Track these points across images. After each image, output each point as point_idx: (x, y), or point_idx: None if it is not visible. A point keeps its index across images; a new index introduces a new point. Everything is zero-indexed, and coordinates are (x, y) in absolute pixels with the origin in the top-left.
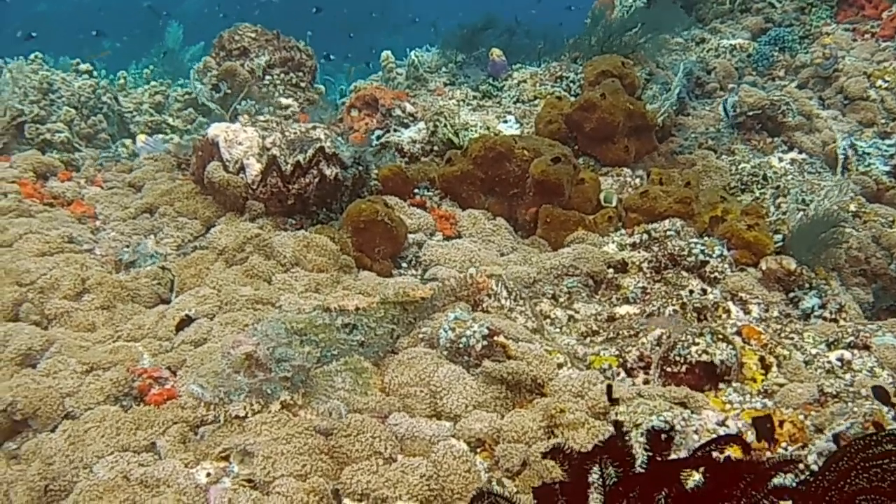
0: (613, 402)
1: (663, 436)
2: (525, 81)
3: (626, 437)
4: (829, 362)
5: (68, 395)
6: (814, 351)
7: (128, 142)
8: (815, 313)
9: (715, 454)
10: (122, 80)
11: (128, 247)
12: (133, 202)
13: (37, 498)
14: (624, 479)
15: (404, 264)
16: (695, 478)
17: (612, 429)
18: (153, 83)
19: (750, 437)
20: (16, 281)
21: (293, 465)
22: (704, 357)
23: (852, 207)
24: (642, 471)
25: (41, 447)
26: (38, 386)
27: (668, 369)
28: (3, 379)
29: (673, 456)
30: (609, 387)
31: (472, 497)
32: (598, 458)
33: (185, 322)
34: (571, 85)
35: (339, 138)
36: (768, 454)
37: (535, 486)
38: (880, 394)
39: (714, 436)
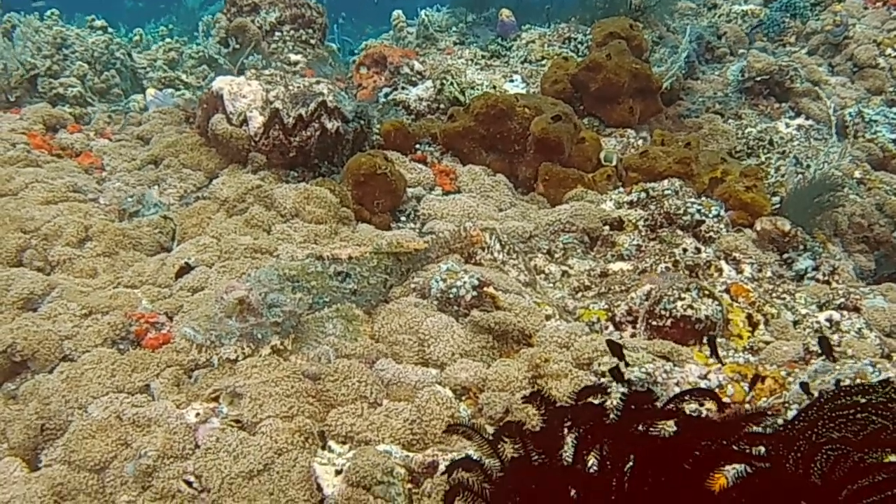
0: (621, 359)
1: (644, 388)
2: (533, 42)
3: (605, 387)
4: (817, 322)
5: (67, 338)
6: (804, 311)
7: (139, 97)
8: (809, 275)
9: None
10: (137, 37)
11: (132, 197)
12: (140, 154)
13: (33, 436)
14: (594, 428)
15: (403, 218)
16: (668, 429)
17: (594, 379)
18: (168, 40)
19: (730, 390)
20: (20, 228)
21: (280, 407)
22: (690, 312)
23: (857, 174)
24: (614, 421)
25: (39, 388)
26: (37, 329)
27: (654, 323)
28: (4, 322)
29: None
30: (612, 344)
31: (447, 427)
32: (573, 406)
33: (185, 269)
34: (579, 46)
35: (343, 93)
36: (747, 406)
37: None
38: (824, 345)
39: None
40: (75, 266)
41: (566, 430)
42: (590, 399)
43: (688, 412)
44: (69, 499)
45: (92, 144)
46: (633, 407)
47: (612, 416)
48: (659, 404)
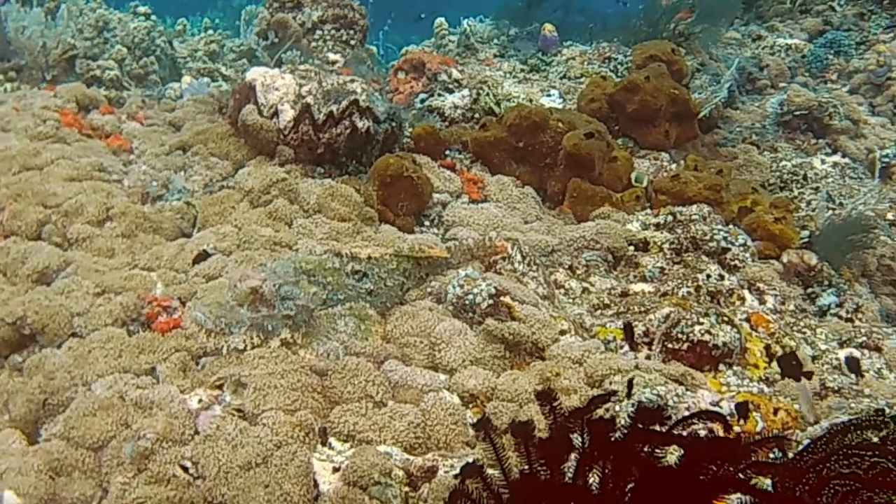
0: (632, 345)
1: (654, 408)
2: (573, 59)
3: (614, 403)
4: (837, 359)
5: (78, 315)
6: (824, 347)
7: (176, 85)
8: (832, 311)
9: (698, 429)
10: (180, 27)
11: (157, 181)
12: (170, 140)
13: (34, 410)
14: (600, 443)
15: (427, 222)
16: (675, 452)
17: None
18: (210, 32)
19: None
20: (42, 202)
21: (283, 400)
22: (707, 337)
23: (889, 216)
24: (621, 438)
25: (45, 362)
26: (49, 303)
27: (670, 345)
28: (18, 294)
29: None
30: (627, 326)
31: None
32: (581, 418)
33: (202, 256)
34: (619, 66)
35: (376, 93)
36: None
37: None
38: (852, 364)
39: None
40: (93, 244)
41: (572, 443)
42: (598, 412)
43: (698, 435)
44: (64, 475)
45: (123, 127)
46: (641, 425)
47: (619, 432)
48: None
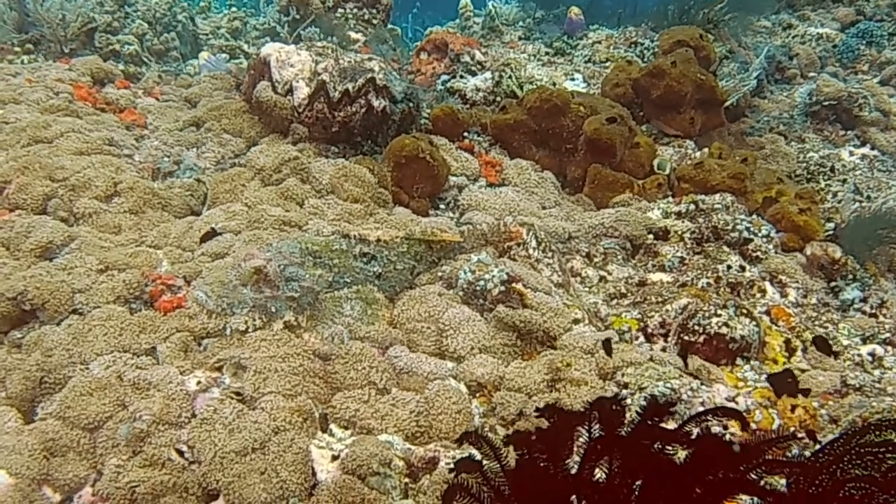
0: (609, 353)
1: (663, 403)
2: (599, 43)
3: (622, 400)
4: (859, 355)
5: (79, 292)
6: (846, 342)
7: (195, 62)
8: (855, 306)
9: (712, 426)
10: (204, 3)
11: (168, 157)
12: (184, 116)
13: (31, 388)
14: (604, 440)
15: (442, 205)
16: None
17: (615, 389)
18: (234, 8)
19: (758, 416)
20: (49, 175)
21: (283, 384)
22: (724, 330)
23: None
24: (626, 435)
25: (43, 339)
26: (51, 279)
27: (686, 338)
28: (20, 269)
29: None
30: (607, 340)
31: (461, 435)
32: (586, 416)
33: (210, 235)
34: (645, 52)
35: (394, 73)
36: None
37: (516, 434)
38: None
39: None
40: (100, 220)
41: (576, 438)
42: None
43: (710, 432)
44: (59, 455)
45: (138, 102)
46: (650, 421)
47: (626, 428)
48: (682, 421)
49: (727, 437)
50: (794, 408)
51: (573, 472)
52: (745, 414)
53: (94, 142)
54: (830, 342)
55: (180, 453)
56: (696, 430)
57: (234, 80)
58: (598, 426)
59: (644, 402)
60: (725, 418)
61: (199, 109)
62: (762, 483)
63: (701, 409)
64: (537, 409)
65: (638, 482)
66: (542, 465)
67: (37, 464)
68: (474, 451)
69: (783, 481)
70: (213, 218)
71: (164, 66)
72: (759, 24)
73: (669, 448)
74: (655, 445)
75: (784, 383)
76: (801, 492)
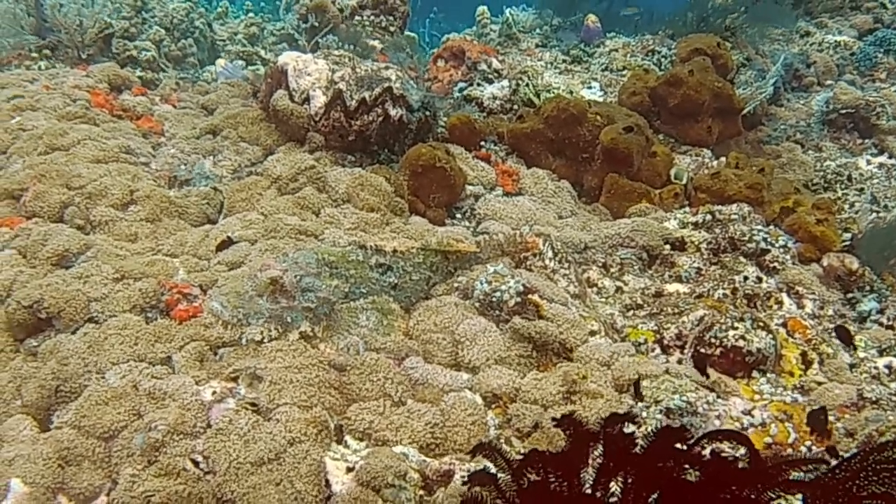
0: (639, 397)
1: (681, 420)
2: (616, 51)
3: (636, 417)
4: (875, 368)
5: (95, 300)
6: (862, 354)
7: (213, 68)
8: (872, 317)
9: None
10: (222, 9)
11: (185, 165)
12: (201, 123)
13: (46, 397)
14: (619, 458)
15: (459, 215)
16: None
17: (631, 402)
18: (251, 14)
19: (773, 429)
20: (66, 184)
21: (299, 395)
22: (741, 343)
23: None
24: (640, 453)
25: (59, 347)
26: (67, 287)
27: (702, 350)
28: (36, 277)
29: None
30: (637, 383)
31: (474, 448)
32: (601, 433)
33: (226, 244)
34: (662, 60)
35: (411, 81)
36: (789, 451)
37: (527, 452)
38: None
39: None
40: (116, 228)
41: (590, 455)
42: (618, 427)
43: (724, 452)
44: (74, 464)
45: (154, 109)
46: (664, 441)
47: (640, 446)
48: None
49: (740, 456)
50: None
51: (587, 489)
52: (760, 429)
53: (111, 149)
54: (852, 332)
55: (195, 463)
56: (709, 449)
57: (251, 87)
58: (611, 444)
59: (660, 416)
60: (733, 441)
61: (215, 117)
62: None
63: (717, 422)
64: (553, 420)
65: (651, 500)
66: (555, 481)
67: (51, 472)
68: (489, 464)
69: (798, 501)
70: (230, 227)
71: (182, 73)
72: (777, 31)
73: (684, 467)
74: (669, 465)
75: (818, 420)
76: None
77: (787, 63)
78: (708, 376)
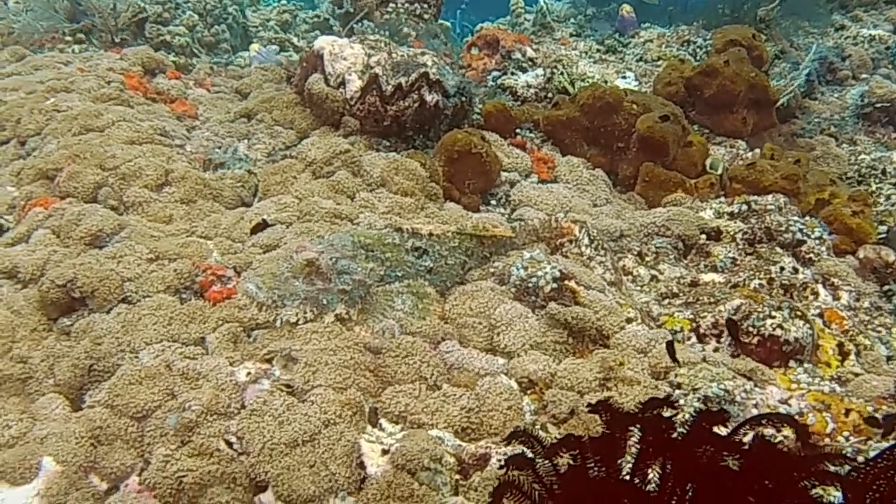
0: (674, 360)
1: (719, 408)
2: (651, 41)
3: (675, 402)
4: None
5: (129, 280)
6: None
7: (245, 54)
8: None
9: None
10: None
11: (220, 148)
12: (235, 107)
13: (79, 375)
14: (659, 443)
15: (493, 201)
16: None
17: (668, 390)
18: (284, 2)
19: (811, 419)
20: (100, 164)
21: (334, 377)
22: (779, 332)
23: None
24: (680, 439)
25: (93, 326)
26: (100, 267)
27: (740, 339)
28: (70, 256)
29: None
30: (670, 343)
31: (510, 434)
32: (638, 417)
33: (261, 226)
34: (698, 50)
35: (447, 67)
36: (827, 441)
37: (563, 437)
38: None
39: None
40: (150, 209)
41: (628, 440)
42: (657, 412)
43: (765, 440)
44: (106, 444)
45: (188, 93)
46: (704, 426)
47: (679, 432)
48: (734, 424)
49: (782, 444)
50: (847, 412)
51: (625, 475)
52: (797, 418)
53: (146, 131)
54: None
55: (229, 444)
56: (750, 435)
57: (285, 72)
58: (649, 429)
59: (698, 403)
60: (780, 423)
61: (249, 101)
62: (817, 494)
63: (755, 411)
64: (589, 405)
65: (690, 488)
66: (593, 466)
67: (84, 451)
68: (526, 450)
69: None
70: (264, 209)
71: (215, 58)
72: (812, 24)
73: (723, 454)
74: (708, 452)
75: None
76: (856, 501)
77: (822, 55)
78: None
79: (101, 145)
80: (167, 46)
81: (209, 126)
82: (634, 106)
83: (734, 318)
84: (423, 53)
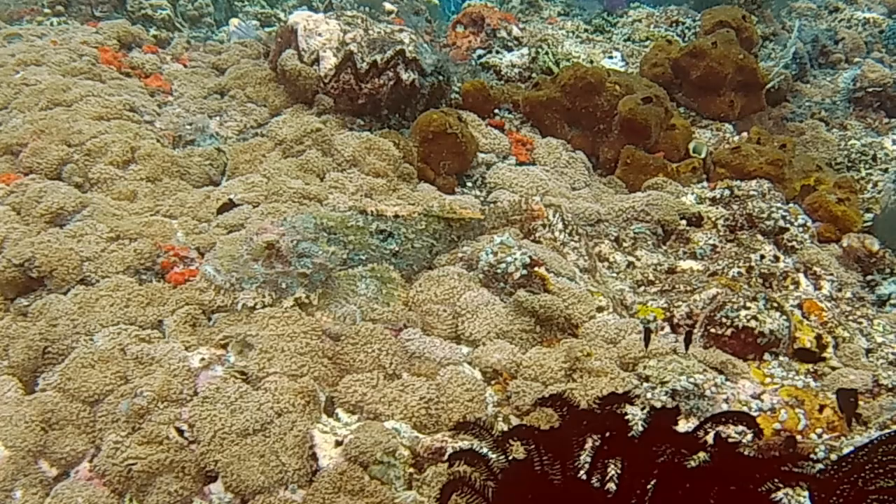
0: (646, 343)
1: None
2: (640, 21)
3: (634, 398)
4: (893, 353)
5: (88, 260)
6: (880, 339)
7: (226, 28)
8: (892, 301)
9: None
10: None
11: (190, 124)
12: (210, 83)
13: (33, 358)
14: (615, 441)
15: (469, 183)
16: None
17: (636, 382)
18: None
19: (783, 415)
20: (65, 140)
21: (289, 364)
22: (753, 323)
23: None
24: (637, 438)
25: (49, 308)
26: (59, 246)
27: (713, 330)
28: (29, 235)
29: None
30: (647, 331)
31: (456, 424)
32: (595, 415)
33: (228, 206)
34: (686, 31)
35: (425, 45)
36: (800, 438)
37: (515, 428)
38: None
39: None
40: (115, 187)
41: (584, 437)
42: (616, 407)
43: (727, 440)
44: (57, 428)
45: (164, 68)
46: (660, 425)
47: (636, 429)
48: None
49: (745, 444)
50: (822, 408)
51: (580, 472)
52: (770, 414)
53: (114, 106)
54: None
55: (180, 432)
56: (712, 434)
57: (264, 47)
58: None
59: (665, 398)
60: (740, 423)
61: (224, 77)
62: (780, 495)
63: (725, 406)
64: (541, 400)
65: (648, 487)
66: (546, 463)
67: (34, 436)
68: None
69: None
70: (232, 188)
71: (196, 32)
72: (804, 5)
73: (682, 453)
74: (667, 451)
75: (847, 402)
76: (822, 501)
77: (813, 37)
78: (687, 348)
79: (67, 121)
80: (149, 20)
81: (181, 102)
82: (617, 87)
83: (688, 323)
84: (401, 30)
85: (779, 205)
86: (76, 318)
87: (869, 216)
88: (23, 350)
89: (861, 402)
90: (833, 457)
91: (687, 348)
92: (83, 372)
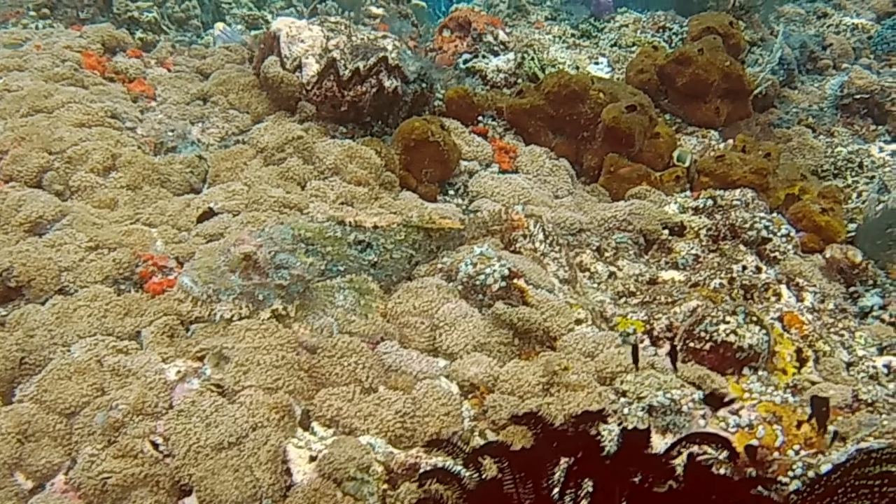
0: (636, 365)
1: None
2: (627, 26)
3: (608, 416)
4: (874, 367)
5: (67, 270)
6: (861, 353)
7: (211, 32)
8: (874, 313)
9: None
10: None
11: (172, 131)
12: (193, 88)
13: (10, 368)
14: (582, 462)
15: (452, 191)
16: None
17: (613, 397)
18: None
19: (760, 431)
20: (46, 147)
21: (265, 378)
22: (732, 338)
23: None
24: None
25: (26, 318)
26: (38, 255)
27: (692, 344)
28: (7, 244)
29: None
30: (635, 348)
31: (429, 441)
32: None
33: (208, 214)
34: (673, 37)
35: (408, 51)
36: (776, 455)
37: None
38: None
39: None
40: (95, 195)
41: (556, 457)
42: (589, 426)
43: (699, 462)
44: (33, 440)
45: (148, 72)
46: (633, 445)
47: (608, 450)
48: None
49: (718, 465)
50: (799, 424)
51: (552, 491)
52: (747, 431)
53: (96, 113)
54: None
55: (155, 445)
56: (685, 454)
57: (249, 52)
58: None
59: (642, 413)
60: (714, 444)
61: (208, 82)
62: None
63: (702, 422)
64: (516, 417)
65: None
66: (518, 481)
67: (9, 448)
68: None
69: None
70: (213, 197)
71: (180, 36)
72: (792, 10)
73: (652, 477)
74: (638, 474)
75: (820, 411)
76: None
77: (801, 43)
78: (675, 368)
79: (48, 127)
80: (135, 23)
81: (164, 108)
82: (601, 95)
83: (668, 336)
84: (384, 37)
85: (762, 215)
86: (53, 328)
87: (853, 226)
88: (0, 361)
89: (839, 418)
90: (811, 474)
91: (674, 366)
92: (60, 383)
